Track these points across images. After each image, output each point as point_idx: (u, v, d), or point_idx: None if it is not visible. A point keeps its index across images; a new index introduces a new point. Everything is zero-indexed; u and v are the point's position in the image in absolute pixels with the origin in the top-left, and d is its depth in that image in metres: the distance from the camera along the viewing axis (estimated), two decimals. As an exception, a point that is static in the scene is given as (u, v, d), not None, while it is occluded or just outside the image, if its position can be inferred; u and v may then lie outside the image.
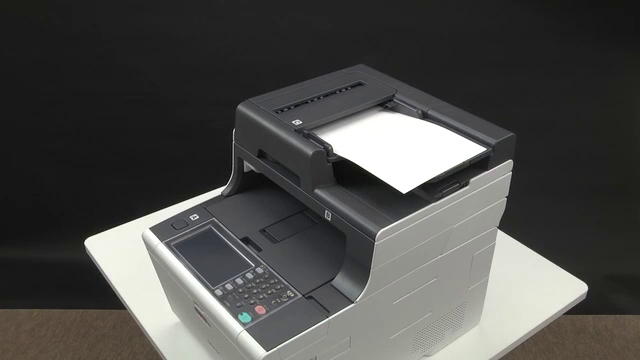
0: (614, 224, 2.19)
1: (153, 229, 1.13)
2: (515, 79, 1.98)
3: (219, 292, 0.99)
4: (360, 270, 0.95)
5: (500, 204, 1.11)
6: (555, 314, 1.31)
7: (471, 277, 1.16)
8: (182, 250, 1.08)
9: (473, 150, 1.02)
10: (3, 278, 2.39)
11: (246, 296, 0.98)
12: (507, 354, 1.25)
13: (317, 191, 1.00)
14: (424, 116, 1.14)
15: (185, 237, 1.11)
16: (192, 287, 1.02)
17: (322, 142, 1.02)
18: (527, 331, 1.27)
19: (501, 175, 1.07)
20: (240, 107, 1.15)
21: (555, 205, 2.15)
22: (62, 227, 2.32)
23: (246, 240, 1.10)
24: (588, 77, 1.98)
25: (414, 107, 1.15)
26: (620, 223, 2.19)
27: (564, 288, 1.37)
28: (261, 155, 1.12)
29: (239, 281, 1.01)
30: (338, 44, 1.94)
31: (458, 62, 1.97)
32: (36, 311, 2.39)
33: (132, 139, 2.12)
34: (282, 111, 1.12)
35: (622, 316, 2.27)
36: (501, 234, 1.29)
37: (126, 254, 1.40)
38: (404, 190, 0.92)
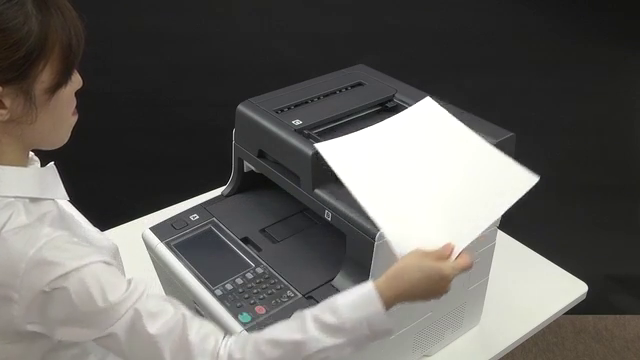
0: (614, 224, 2.18)
1: (153, 229, 1.13)
2: (515, 79, 1.98)
3: (219, 292, 0.99)
4: (360, 270, 0.95)
5: (500, 204, 1.11)
6: (555, 314, 1.31)
7: (471, 277, 1.16)
8: (182, 250, 1.08)
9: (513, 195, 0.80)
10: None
11: (246, 296, 0.98)
12: (507, 354, 1.25)
13: (317, 191, 1.00)
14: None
15: (185, 237, 1.11)
16: (192, 287, 1.02)
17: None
18: (527, 331, 1.27)
19: (501, 175, 1.06)
20: (240, 107, 1.15)
21: (555, 205, 2.15)
22: (62, 227, 2.31)
23: (246, 240, 1.10)
24: (588, 77, 1.97)
25: (414, 107, 1.15)
26: (620, 223, 2.19)
27: (564, 288, 1.37)
28: (261, 155, 1.12)
29: (239, 281, 1.01)
30: (338, 44, 1.93)
31: (458, 62, 1.97)
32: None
33: (132, 139, 2.11)
34: (282, 111, 1.12)
35: (622, 316, 2.26)
36: (501, 234, 1.28)
37: (126, 254, 1.40)
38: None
